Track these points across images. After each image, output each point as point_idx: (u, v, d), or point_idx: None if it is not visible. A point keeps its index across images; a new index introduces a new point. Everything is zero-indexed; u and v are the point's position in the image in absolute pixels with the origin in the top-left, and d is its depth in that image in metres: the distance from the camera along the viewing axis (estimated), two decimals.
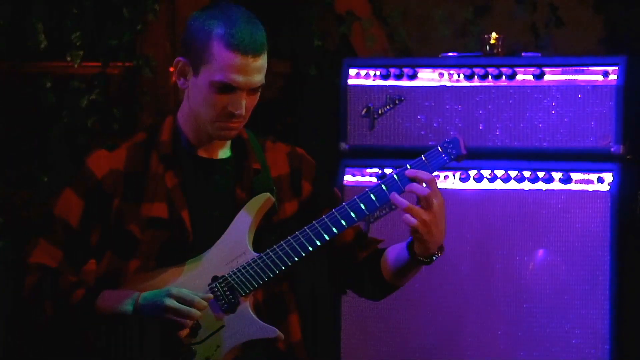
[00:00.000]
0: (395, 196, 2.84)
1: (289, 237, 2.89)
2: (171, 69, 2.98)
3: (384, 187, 2.87)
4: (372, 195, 2.88)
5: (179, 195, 2.94)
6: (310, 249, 2.89)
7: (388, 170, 3.94)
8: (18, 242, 2.98)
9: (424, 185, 2.82)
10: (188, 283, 2.87)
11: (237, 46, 2.83)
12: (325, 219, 2.89)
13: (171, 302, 2.80)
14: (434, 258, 2.89)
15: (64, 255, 2.92)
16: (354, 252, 3.04)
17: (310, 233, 2.89)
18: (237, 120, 2.90)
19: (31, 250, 2.92)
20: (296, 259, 2.89)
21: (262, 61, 2.88)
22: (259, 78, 2.88)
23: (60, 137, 4.95)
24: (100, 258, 2.95)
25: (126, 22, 4.93)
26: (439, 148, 2.88)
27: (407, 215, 2.81)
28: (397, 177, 2.86)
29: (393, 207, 2.90)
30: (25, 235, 2.97)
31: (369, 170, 3.97)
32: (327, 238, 2.89)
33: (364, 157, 4.00)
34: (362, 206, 2.88)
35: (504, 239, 3.84)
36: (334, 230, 2.89)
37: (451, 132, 3.90)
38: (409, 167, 2.86)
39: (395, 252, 2.96)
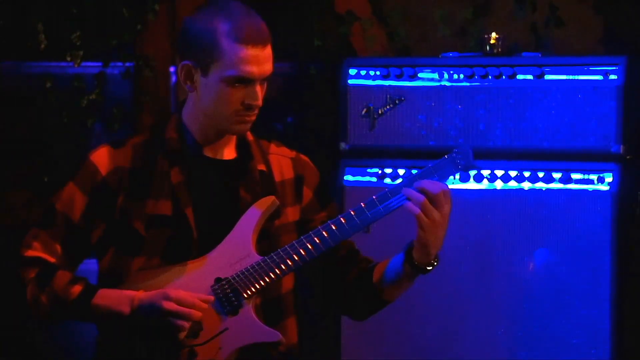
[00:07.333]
0: (408, 191, 2.82)
1: (293, 242, 2.89)
2: (180, 74, 2.95)
3: (390, 195, 2.86)
4: (377, 201, 2.87)
5: (184, 192, 2.93)
6: (316, 253, 2.89)
7: (388, 170, 3.94)
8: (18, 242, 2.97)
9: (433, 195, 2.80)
10: (191, 283, 2.86)
11: (246, 39, 2.84)
12: (330, 224, 2.89)
13: (170, 305, 2.80)
14: (432, 267, 2.89)
15: (64, 250, 2.92)
16: (346, 267, 3.03)
17: (315, 238, 2.88)
18: (253, 112, 2.91)
19: (31, 242, 2.92)
20: (300, 263, 2.89)
21: (269, 50, 2.89)
22: (269, 67, 2.89)
23: (60, 137, 4.95)
24: (103, 255, 2.95)
25: (126, 22, 4.93)
26: (447, 157, 2.87)
27: (418, 212, 2.80)
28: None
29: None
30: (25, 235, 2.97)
31: (369, 170, 3.97)
32: (333, 244, 2.89)
33: (364, 157, 4.00)
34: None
35: (504, 239, 3.84)
36: (341, 235, 2.88)
37: (451, 133, 3.90)
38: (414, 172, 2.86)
39: (391, 263, 2.95)
